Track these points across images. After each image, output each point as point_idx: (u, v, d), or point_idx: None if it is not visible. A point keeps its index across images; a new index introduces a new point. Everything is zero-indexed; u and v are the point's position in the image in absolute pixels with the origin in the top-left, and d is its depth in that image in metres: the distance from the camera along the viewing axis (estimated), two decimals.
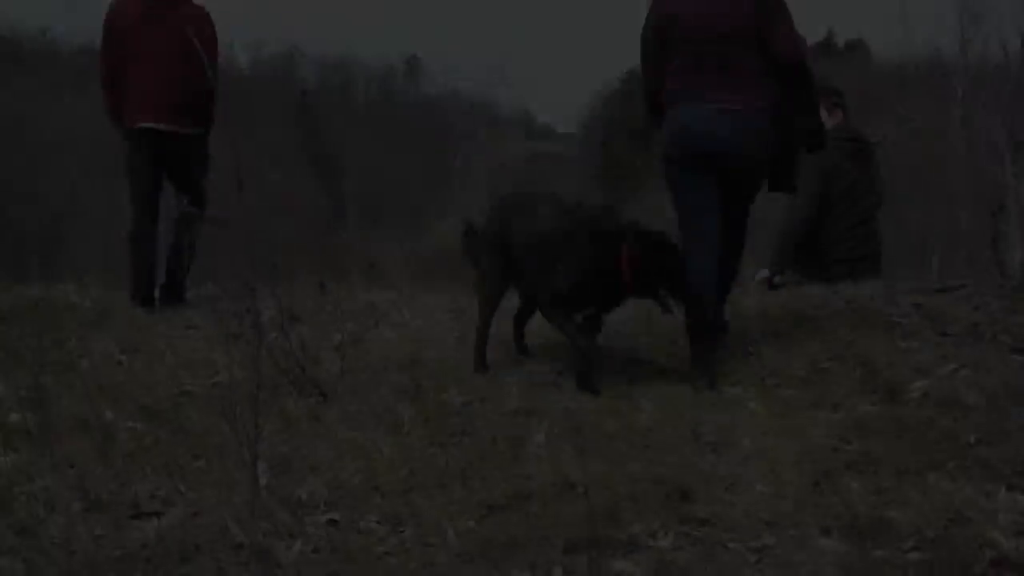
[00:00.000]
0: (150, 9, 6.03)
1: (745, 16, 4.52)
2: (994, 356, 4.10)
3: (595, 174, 69.66)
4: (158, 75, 6.01)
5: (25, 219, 34.93)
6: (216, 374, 4.66)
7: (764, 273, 6.17)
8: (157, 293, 6.17)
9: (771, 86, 4.58)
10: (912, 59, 22.27)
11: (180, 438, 3.78)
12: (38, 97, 42.21)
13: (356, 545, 2.90)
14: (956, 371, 3.99)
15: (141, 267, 6.03)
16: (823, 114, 6.21)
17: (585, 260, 4.41)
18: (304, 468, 3.43)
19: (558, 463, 3.33)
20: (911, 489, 3.02)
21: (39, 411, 3.49)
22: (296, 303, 5.07)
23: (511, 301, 4.88)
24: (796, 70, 4.57)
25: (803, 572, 2.65)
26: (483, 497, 3.12)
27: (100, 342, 5.32)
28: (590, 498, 2.92)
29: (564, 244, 4.47)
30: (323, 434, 3.76)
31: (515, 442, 3.60)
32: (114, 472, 3.38)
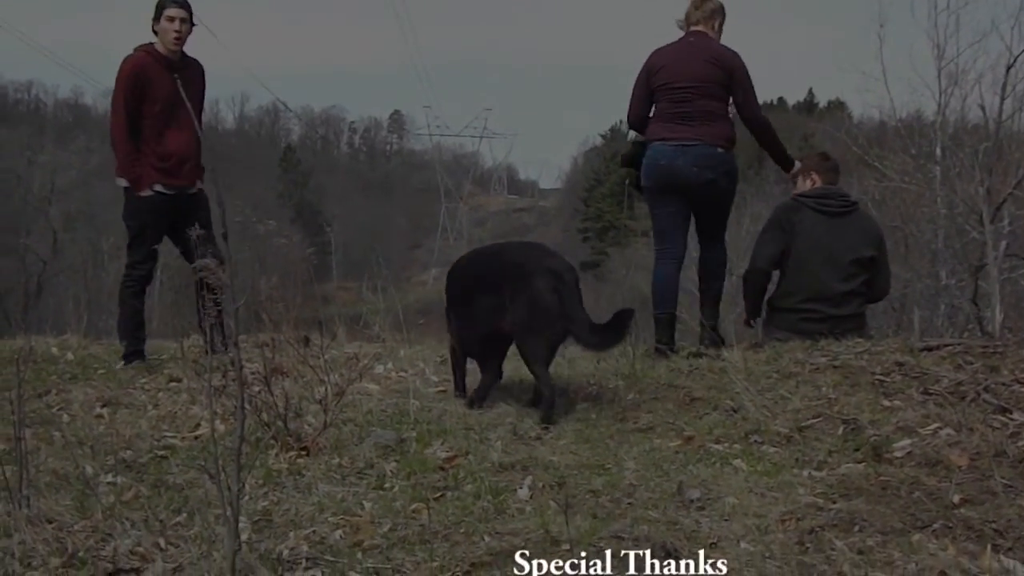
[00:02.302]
0: None
1: (716, 75, 5.93)
2: (977, 416, 4.10)
3: (577, 228, 70.12)
4: None
5: (7, 272, 34.86)
6: (198, 428, 4.64)
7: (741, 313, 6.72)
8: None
9: (728, 126, 6.04)
10: (892, 118, 22.49)
11: (161, 493, 3.74)
12: (21, 151, 42.30)
13: None
14: (940, 430, 4.00)
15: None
16: (800, 180, 6.45)
17: None
18: (286, 524, 3.40)
19: (542, 519, 3.31)
20: (895, 549, 3.01)
21: (17, 465, 3.44)
22: (280, 356, 5.05)
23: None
24: (759, 125, 6.18)
25: None
26: (467, 553, 3.09)
27: (81, 395, 5.29)
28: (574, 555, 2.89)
29: None
30: (305, 489, 3.73)
31: (499, 497, 3.58)
32: (93, 527, 3.33)
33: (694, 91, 5.93)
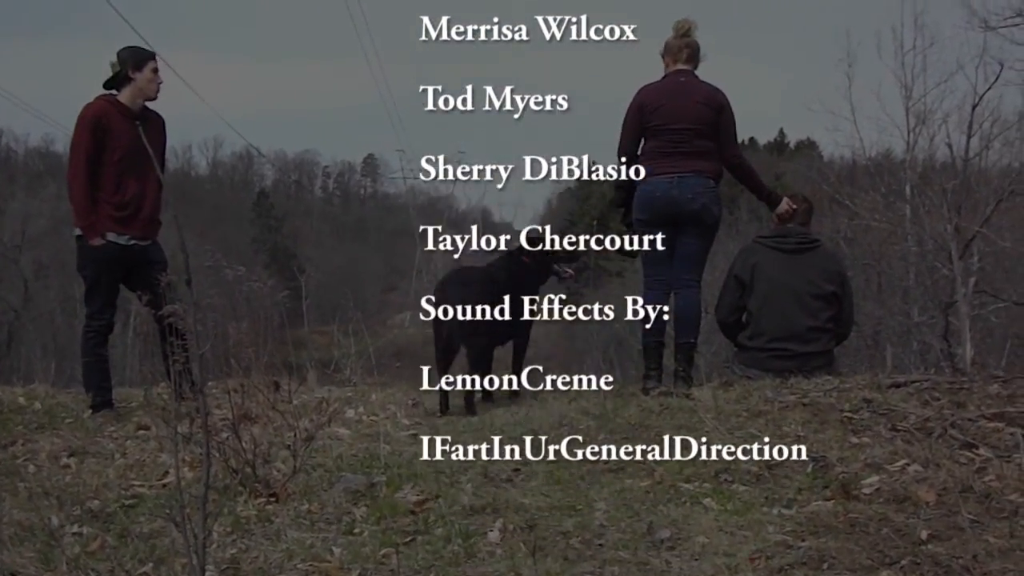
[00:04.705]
0: None
1: (709, 116, 6.17)
2: (944, 452, 4.13)
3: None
4: None
5: None
6: (166, 476, 4.59)
7: None
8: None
9: (718, 162, 6.27)
10: (862, 157, 22.76)
11: (127, 542, 3.69)
12: None
13: None
14: (907, 467, 4.02)
15: None
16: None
17: None
18: (254, 571, 3.37)
19: (513, 562, 3.30)
20: None
21: None
22: (249, 401, 5.02)
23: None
24: (740, 166, 6.47)
25: None
26: None
27: (47, 445, 5.23)
28: None
29: None
30: (274, 536, 3.70)
31: (469, 541, 3.57)
32: None
33: (691, 132, 6.14)
